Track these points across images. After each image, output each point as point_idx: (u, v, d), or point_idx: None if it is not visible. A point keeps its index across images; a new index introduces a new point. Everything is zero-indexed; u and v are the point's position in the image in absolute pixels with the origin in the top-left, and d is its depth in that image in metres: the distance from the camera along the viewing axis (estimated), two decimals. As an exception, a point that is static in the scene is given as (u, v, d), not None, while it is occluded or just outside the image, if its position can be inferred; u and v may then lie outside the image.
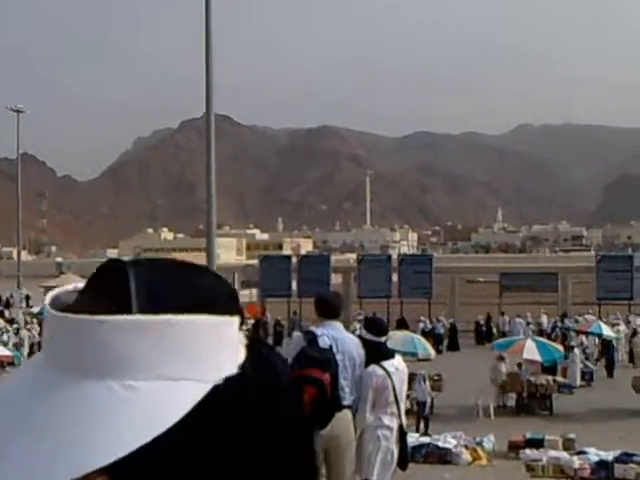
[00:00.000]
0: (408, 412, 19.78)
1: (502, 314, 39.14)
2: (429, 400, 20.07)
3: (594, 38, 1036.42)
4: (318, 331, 6.31)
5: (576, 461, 13.65)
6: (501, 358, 22.18)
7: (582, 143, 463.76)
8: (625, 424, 20.75)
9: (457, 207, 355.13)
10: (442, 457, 16.46)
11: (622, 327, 34.96)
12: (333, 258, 51.43)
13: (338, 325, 6.40)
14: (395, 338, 20.27)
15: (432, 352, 24.37)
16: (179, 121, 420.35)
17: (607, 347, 29.59)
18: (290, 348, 6.37)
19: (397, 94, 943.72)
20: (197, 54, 36.64)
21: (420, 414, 19.50)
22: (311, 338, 6.24)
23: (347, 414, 6.21)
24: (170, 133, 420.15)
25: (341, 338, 6.31)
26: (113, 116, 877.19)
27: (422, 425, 19.40)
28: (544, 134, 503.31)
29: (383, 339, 6.51)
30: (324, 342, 6.22)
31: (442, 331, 37.65)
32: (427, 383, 20.12)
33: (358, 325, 34.06)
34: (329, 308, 6.43)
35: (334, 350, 6.20)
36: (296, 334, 6.60)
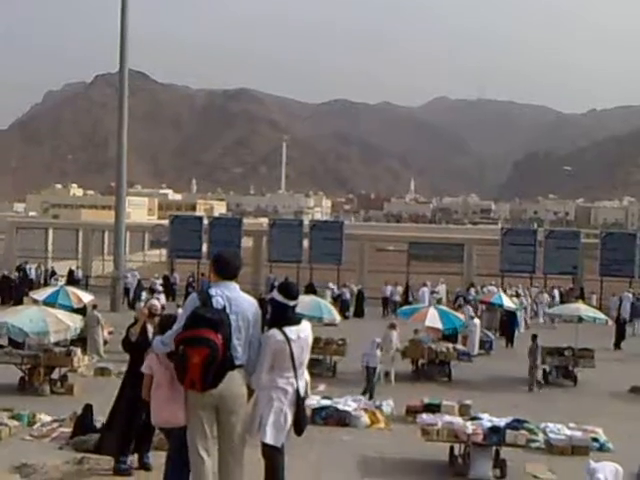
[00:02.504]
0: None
1: (396, 284, 39.44)
2: (379, 367, 20.25)
3: (511, 15, 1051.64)
4: (212, 291, 6.26)
5: (470, 426, 14.01)
6: (392, 326, 22.47)
7: (494, 119, 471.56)
8: (520, 393, 21.49)
9: (371, 176, 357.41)
10: (341, 420, 16.69)
11: (523, 298, 36.11)
12: (246, 221, 51.20)
13: (233, 285, 6.36)
14: (302, 302, 20.30)
15: (338, 317, 24.61)
16: (93, 75, 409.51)
17: (509, 318, 30.43)
18: (185, 308, 6.32)
19: (317, 60, 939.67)
20: (114, 5, 35.67)
21: (369, 379, 19.68)
22: (205, 298, 6.20)
23: (239, 374, 6.21)
24: (83, 87, 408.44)
25: (235, 298, 6.27)
26: (24, 67, 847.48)
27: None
28: (458, 108, 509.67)
29: (292, 303, 6.50)
30: (218, 303, 6.18)
31: (348, 297, 38.05)
32: (379, 351, 20.26)
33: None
34: (225, 268, 6.38)
35: (228, 311, 6.17)
36: (191, 295, 6.52)
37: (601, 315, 26.57)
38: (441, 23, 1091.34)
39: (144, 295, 30.48)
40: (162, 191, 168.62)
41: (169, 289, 39.54)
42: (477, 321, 27.74)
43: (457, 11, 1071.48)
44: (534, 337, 22.61)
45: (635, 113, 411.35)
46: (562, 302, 36.95)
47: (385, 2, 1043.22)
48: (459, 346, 24.20)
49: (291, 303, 6.49)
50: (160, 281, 39.79)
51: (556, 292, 39.28)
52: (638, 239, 42.22)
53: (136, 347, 9.59)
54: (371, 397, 18.97)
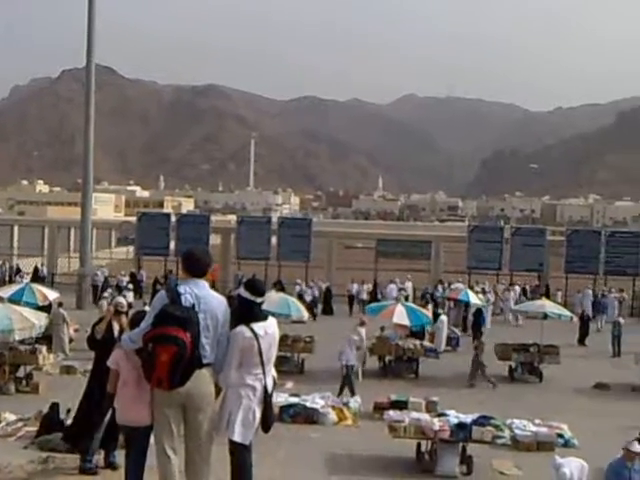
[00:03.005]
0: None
1: (362, 282, 39.47)
2: (356, 365, 20.30)
3: (480, 14, 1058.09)
4: (181, 289, 6.24)
5: (436, 423, 14.10)
6: (362, 323, 22.59)
7: (463, 116, 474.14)
8: (486, 389, 21.67)
9: (340, 173, 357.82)
10: (309, 417, 16.74)
11: (490, 295, 36.39)
12: (213, 218, 51.01)
13: (203, 283, 6.34)
14: (270, 299, 20.35)
15: (306, 315, 24.63)
16: (60, 70, 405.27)
17: (475, 314, 30.63)
18: (153, 305, 6.28)
19: (286, 57, 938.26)
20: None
21: (346, 377, 19.69)
22: (174, 296, 6.17)
23: (207, 372, 6.20)
24: (50, 82, 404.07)
25: (204, 296, 6.25)
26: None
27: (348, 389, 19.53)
28: (427, 106, 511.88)
29: (259, 300, 6.49)
30: (187, 300, 6.16)
31: (317, 294, 38.08)
32: (354, 349, 20.30)
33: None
34: (195, 266, 6.36)
35: (197, 309, 6.15)
36: (160, 292, 6.49)
37: (566, 312, 26.85)
38: (410, 21, 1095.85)
39: (107, 292, 30.26)
40: (129, 188, 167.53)
41: (136, 286, 39.30)
42: (444, 318, 27.92)
43: (426, 9, 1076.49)
44: (479, 334, 22.81)
45: (601, 111, 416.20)
46: (526, 299, 37.29)
47: (357, 1, 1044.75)
48: (426, 343, 24.33)
49: (258, 300, 6.49)
50: (127, 278, 39.55)
51: (517, 288, 39.59)
52: (603, 237, 42.73)
53: (102, 345, 9.53)
54: (353, 393, 19.06)
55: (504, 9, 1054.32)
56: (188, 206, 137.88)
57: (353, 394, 19.00)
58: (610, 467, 10.70)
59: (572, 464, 11.73)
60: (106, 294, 29.68)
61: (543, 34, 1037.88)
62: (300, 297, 34.43)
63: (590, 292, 38.58)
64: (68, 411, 12.20)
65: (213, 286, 27.73)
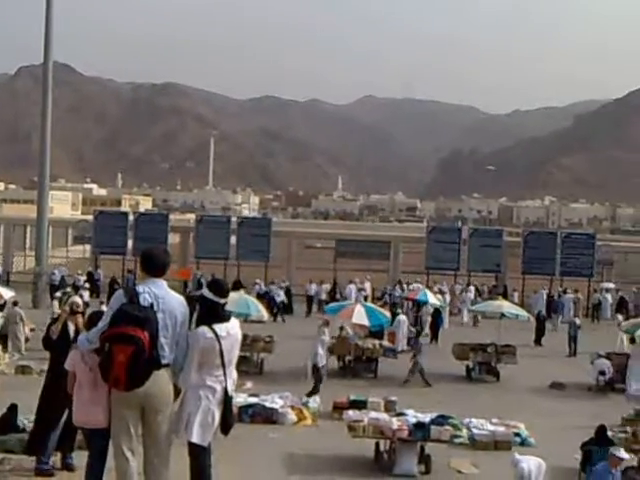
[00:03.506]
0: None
1: (321, 282, 39.43)
2: (324, 363, 20.24)
3: (439, 15, 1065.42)
4: (140, 288, 6.17)
5: (395, 422, 14.17)
6: (327, 323, 22.62)
7: (421, 118, 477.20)
8: (444, 388, 21.80)
9: (299, 173, 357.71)
10: (268, 417, 16.70)
11: (447, 296, 36.64)
12: (172, 217, 50.64)
13: (161, 283, 6.28)
14: (229, 299, 20.24)
15: (265, 314, 24.56)
16: (17, 66, 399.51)
17: (434, 315, 30.82)
18: (111, 305, 6.21)
19: (245, 56, 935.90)
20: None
21: (318, 378, 19.67)
22: (132, 295, 6.10)
23: (165, 373, 6.13)
24: (7, 79, 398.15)
25: (163, 296, 6.19)
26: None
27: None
28: (386, 106, 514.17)
29: (222, 301, 6.45)
30: (145, 300, 6.09)
31: (276, 294, 37.96)
32: (324, 350, 20.29)
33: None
34: (153, 265, 6.29)
35: (155, 308, 6.09)
36: (118, 291, 6.41)
37: (523, 312, 27.18)
38: (369, 21, 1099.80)
39: (60, 292, 29.89)
40: (86, 186, 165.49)
41: (93, 286, 38.87)
42: (404, 318, 28.04)
43: (385, 9, 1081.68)
44: (417, 334, 22.91)
45: (557, 114, 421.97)
46: (480, 299, 37.53)
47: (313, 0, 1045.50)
48: (385, 343, 24.41)
49: (221, 301, 6.45)
50: (84, 277, 39.09)
51: (472, 288, 39.90)
52: (559, 238, 43.28)
53: (57, 345, 9.40)
54: (312, 393, 19.06)
55: (462, 11, 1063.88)
56: (146, 205, 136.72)
57: (311, 394, 18.98)
58: (594, 472, 10.83)
59: (530, 461, 11.90)
60: (58, 294, 29.31)
61: (502, 37, 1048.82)
62: (260, 296, 34.39)
63: (544, 292, 39.10)
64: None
65: (185, 286, 27.43)
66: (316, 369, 19.78)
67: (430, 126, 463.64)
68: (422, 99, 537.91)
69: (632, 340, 22.86)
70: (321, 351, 20.00)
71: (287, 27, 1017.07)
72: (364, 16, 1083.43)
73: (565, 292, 39.49)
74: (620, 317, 38.86)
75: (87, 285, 36.55)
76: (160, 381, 6.07)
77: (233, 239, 43.58)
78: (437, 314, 30.74)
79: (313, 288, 38.25)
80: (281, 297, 35.92)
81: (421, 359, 22.09)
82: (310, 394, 18.89)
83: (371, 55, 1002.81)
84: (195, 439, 6.22)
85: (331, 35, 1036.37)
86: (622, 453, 10.86)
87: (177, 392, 6.26)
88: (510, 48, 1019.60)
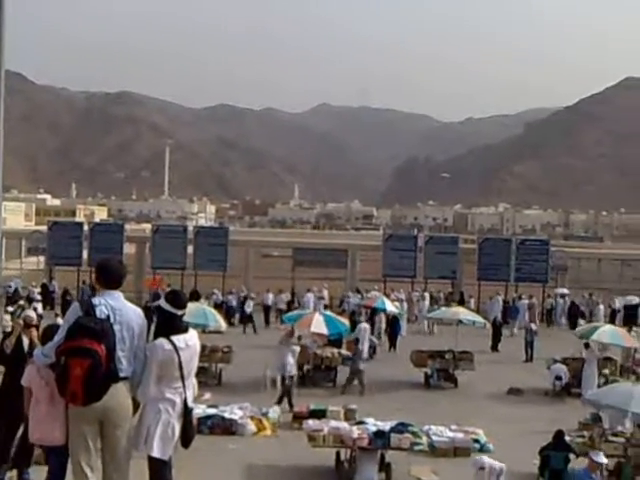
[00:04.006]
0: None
1: (280, 292, 39.15)
2: (294, 373, 20.28)
3: (393, 24, 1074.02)
4: (96, 300, 6.08)
5: (355, 431, 14.17)
6: (291, 333, 22.64)
7: (377, 126, 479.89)
8: (403, 396, 21.88)
9: (256, 182, 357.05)
10: (228, 428, 16.60)
11: (405, 303, 36.81)
12: (128, 227, 50.16)
13: (118, 295, 6.19)
14: (187, 309, 20.09)
15: (223, 324, 24.39)
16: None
17: (391, 322, 30.91)
18: (66, 318, 6.10)
19: (201, 65, 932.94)
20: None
21: (286, 387, 19.64)
22: (88, 308, 6.01)
23: (124, 386, 6.04)
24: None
25: (120, 308, 6.11)
26: None
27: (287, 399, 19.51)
28: (341, 115, 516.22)
29: (180, 312, 6.38)
30: (101, 312, 6.00)
31: (234, 304, 37.83)
32: (294, 359, 20.33)
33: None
34: (109, 277, 6.20)
35: (112, 320, 6.00)
36: (74, 304, 6.31)
37: (480, 318, 27.43)
38: (325, 29, 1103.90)
39: (10, 307, 29.38)
40: (40, 196, 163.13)
41: (48, 298, 38.30)
42: (366, 326, 28.06)
43: (340, 18, 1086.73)
44: (356, 341, 22.90)
45: (509, 122, 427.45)
46: (437, 306, 37.69)
47: (270, 8, 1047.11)
48: (344, 351, 24.42)
49: (179, 312, 6.38)
50: (38, 289, 38.50)
51: (427, 295, 40.11)
52: (513, 245, 43.76)
53: (11, 359, 9.24)
54: (280, 402, 19.07)
55: (415, 21, 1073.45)
56: (101, 215, 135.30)
57: (280, 402, 19.01)
58: (575, 476, 10.93)
59: (494, 464, 12.04)
60: (11, 308, 28.83)
61: (454, 46, 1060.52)
62: (217, 306, 34.21)
63: (500, 299, 39.50)
64: None
65: (156, 296, 26.89)
66: (284, 379, 19.78)
67: (385, 134, 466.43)
68: (377, 107, 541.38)
69: (586, 345, 23.16)
70: (291, 360, 20.06)
71: (241, 36, 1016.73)
72: (318, 24, 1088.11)
73: (520, 298, 39.91)
74: (564, 321, 39.70)
75: (39, 297, 35.96)
76: (118, 395, 5.98)
77: (190, 249, 43.29)
78: (395, 322, 30.82)
79: (270, 298, 38.08)
80: (250, 308, 35.57)
81: (359, 364, 22.03)
82: (279, 401, 18.98)
83: (326, 63, 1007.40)
84: (155, 453, 6.14)
85: (286, 43, 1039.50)
86: (601, 457, 11.00)
87: (136, 405, 6.18)
88: (462, 57, 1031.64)
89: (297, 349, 20.84)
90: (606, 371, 22.69)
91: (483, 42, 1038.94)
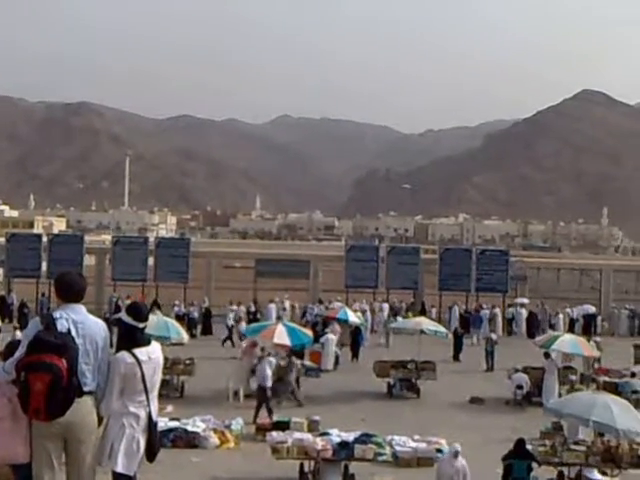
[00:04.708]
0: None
1: (239, 304, 38.80)
2: (270, 384, 20.25)
3: (351, 36, 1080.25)
4: (56, 314, 5.98)
5: (319, 442, 14.16)
6: (254, 344, 22.64)
7: (338, 137, 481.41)
8: (366, 406, 21.91)
9: (217, 193, 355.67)
10: (190, 441, 16.48)
11: (368, 313, 36.85)
12: (87, 239, 49.64)
13: (79, 308, 6.10)
14: (148, 322, 19.91)
15: (185, 336, 24.21)
16: None
17: (354, 333, 30.93)
18: (26, 332, 5.99)
19: (160, 75, 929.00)
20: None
21: (262, 399, 19.66)
22: (48, 322, 5.91)
23: (88, 401, 5.94)
24: None
25: (82, 321, 6.01)
26: None
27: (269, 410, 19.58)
28: (303, 126, 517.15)
29: (141, 325, 6.30)
30: (62, 326, 5.91)
31: (196, 315, 37.60)
32: (270, 370, 20.37)
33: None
34: (70, 290, 6.11)
35: (74, 334, 5.91)
36: (34, 318, 6.19)
37: (441, 328, 27.58)
38: (285, 41, 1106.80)
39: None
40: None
41: (5, 311, 37.72)
42: (332, 336, 28.10)
43: (296, 30, 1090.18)
44: (290, 354, 22.80)
45: (469, 134, 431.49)
46: (394, 316, 37.79)
47: (229, 20, 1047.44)
48: (307, 362, 24.40)
49: (140, 325, 6.30)
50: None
51: (385, 306, 40.21)
52: (474, 255, 44.11)
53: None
54: (270, 412, 19.20)
55: (374, 35, 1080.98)
56: (60, 226, 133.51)
57: (270, 412, 19.06)
58: None
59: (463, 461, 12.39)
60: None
61: (413, 58, 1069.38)
62: (179, 318, 33.94)
63: (457, 308, 39.89)
64: None
65: (117, 309, 26.39)
66: (263, 390, 19.78)
67: (346, 146, 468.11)
68: (338, 119, 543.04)
69: (546, 355, 23.40)
70: (269, 372, 20.11)
71: (202, 47, 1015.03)
72: (279, 37, 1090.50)
73: (481, 307, 40.22)
74: (515, 329, 40.12)
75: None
76: (82, 409, 5.88)
77: (151, 260, 42.95)
78: (357, 332, 30.86)
79: (234, 310, 37.78)
80: (231, 321, 35.23)
81: (291, 377, 22.04)
82: (269, 412, 18.97)
83: (287, 75, 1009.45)
84: (120, 469, 6.05)
85: (247, 55, 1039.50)
86: (595, 475, 11.15)
87: (100, 420, 6.09)
88: (421, 70, 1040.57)
89: (274, 360, 21.04)
90: (573, 377, 22.88)
91: (441, 55, 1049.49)
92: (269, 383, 20.05)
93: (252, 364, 22.27)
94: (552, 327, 38.38)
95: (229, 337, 33.59)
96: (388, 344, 33.85)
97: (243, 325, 32.59)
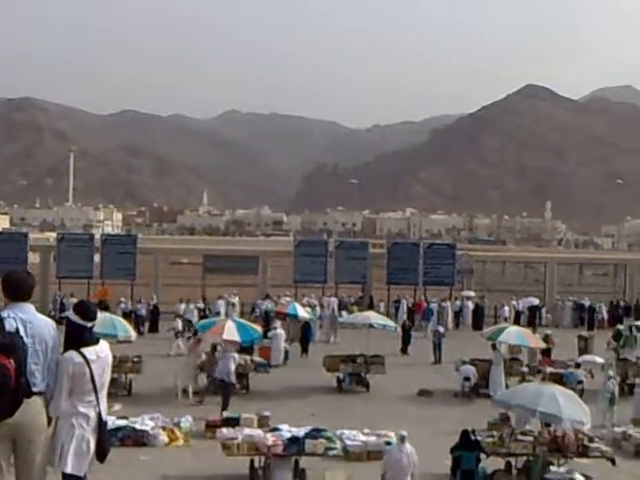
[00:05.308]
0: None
1: (188, 301, 38.46)
2: (232, 378, 20.33)
3: (296, 32, 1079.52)
4: (4, 313, 5.88)
5: (270, 438, 14.15)
6: (198, 341, 22.57)
7: (286, 133, 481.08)
8: (317, 401, 21.96)
9: (164, 189, 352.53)
10: (139, 440, 16.34)
11: (318, 308, 36.86)
12: (32, 236, 48.80)
13: (28, 307, 6.00)
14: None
15: (133, 334, 23.99)
16: None
17: (303, 328, 30.96)
18: None
19: (105, 70, 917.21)
20: None
21: (228, 392, 19.75)
22: (-5, 322, 5.80)
23: (38, 401, 5.85)
24: None
25: (31, 320, 5.92)
26: None
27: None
28: (250, 121, 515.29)
29: (89, 324, 6.21)
30: (10, 325, 5.81)
31: (144, 312, 37.24)
32: (234, 365, 20.47)
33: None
34: (16, 289, 6.00)
35: (22, 333, 5.81)
36: None
37: (390, 322, 27.75)
38: (231, 37, 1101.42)
39: None
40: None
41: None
42: (281, 331, 28.10)
43: (246, 26, 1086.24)
44: (214, 347, 22.72)
45: (414, 129, 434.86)
46: (342, 310, 37.99)
47: (174, 16, 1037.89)
48: (256, 358, 24.36)
49: (89, 324, 6.22)
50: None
51: (333, 300, 40.29)
52: (421, 249, 44.47)
53: None
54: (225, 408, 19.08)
55: (318, 31, 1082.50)
56: (3, 223, 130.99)
57: (225, 408, 18.98)
58: None
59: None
60: None
61: (358, 55, 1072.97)
62: (126, 315, 33.52)
63: (404, 302, 40.23)
64: None
65: (106, 307, 26.20)
66: (226, 385, 19.77)
67: (294, 141, 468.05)
68: (286, 114, 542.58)
69: (494, 346, 23.73)
70: (232, 367, 20.24)
71: (147, 42, 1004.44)
72: (224, 32, 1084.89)
73: (427, 302, 40.47)
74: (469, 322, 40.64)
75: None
76: (32, 410, 5.78)
77: (97, 257, 42.39)
78: (307, 327, 30.90)
79: (182, 308, 37.53)
80: (194, 317, 34.97)
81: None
82: (224, 408, 18.88)
83: (234, 71, 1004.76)
84: (70, 469, 5.97)
85: (191, 50, 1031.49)
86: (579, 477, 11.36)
87: (50, 421, 6.00)
88: (365, 66, 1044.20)
89: (236, 356, 21.09)
90: (524, 369, 23.17)
91: (386, 52, 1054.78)
92: (233, 378, 20.14)
93: (199, 361, 22.25)
94: (498, 319, 38.92)
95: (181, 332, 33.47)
96: (333, 339, 33.79)
97: (179, 322, 32.50)
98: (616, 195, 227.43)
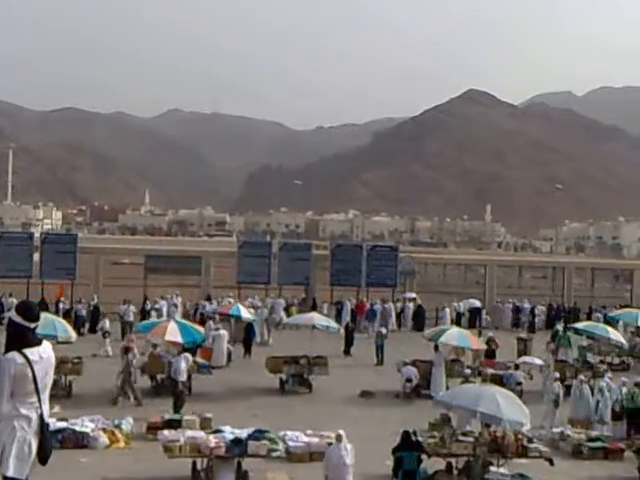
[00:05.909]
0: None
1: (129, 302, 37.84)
2: (185, 379, 20.49)
3: (241, 32, 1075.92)
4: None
5: (212, 440, 14.09)
6: (131, 340, 22.46)
7: (229, 133, 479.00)
8: (259, 402, 21.94)
9: (105, 187, 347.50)
10: (79, 441, 16.12)
11: (263, 309, 36.73)
12: (-32, 235, 47.62)
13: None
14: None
15: (73, 334, 23.62)
16: None
17: (246, 329, 30.86)
18: None
19: (46, 66, 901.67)
20: None
21: (181, 392, 19.84)
22: None
23: (-21, 404, 5.76)
24: None
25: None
26: None
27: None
28: (193, 121, 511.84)
29: (32, 325, 6.11)
30: None
31: (84, 313, 36.68)
32: (186, 365, 20.69)
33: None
34: None
35: None
36: None
37: (333, 323, 27.80)
38: (173, 35, 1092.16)
39: None
40: None
41: None
42: (224, 332, 28.00)
43: (189, 24, 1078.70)
44: (125, 350, 22.48)
45: (358, 131, 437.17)
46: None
47: (116, 13, 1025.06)
48: (199, 359, 24.21)
49: (32, 325, 6.12)
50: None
51: (281, 301, 40.27)
52: (364, 250, 44.73)
53: None
54: (179, 409, 18.96)
55: (261, 32, 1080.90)
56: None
57: (175, 408, 18.98)
58: None
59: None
60: None
61: (303, 57, 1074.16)
62: (65, 315, 32.99)
63: (348, 302, 40.44)
64: None
65: (45, 307, 25.73)
66: (175, 383, 19.89)
67: (238, 141, 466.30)
68: (229, 114, 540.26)
69: (436, 348, 23.99)
70: (184, 366, 20.30)
71: (89, 39, 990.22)
72: (165, 29, 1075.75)
73: (371, 304, 40.73)
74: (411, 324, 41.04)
75: None
76: (-28, 413, 5.69)
77: (36, 256, 41.61)
78: (250, 328, 30.83)
79: (124, 309, 37.02)
80: (130, 317, 34.62)
81: (130, 374, 21.69)
82: (177, 409, 18.69)
83: (176, 70, 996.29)
84: (11, 473, 5.87)
85: (133, 49, 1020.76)
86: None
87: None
88: (307, 68, 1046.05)
89: (189, 356, 21.21)
90: (467, 371, 23.43)
91: (330, 54, 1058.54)
92: (183, 377, 20.17)
93: (142, 361, 22.11)
94: (439, 321, 39.31)
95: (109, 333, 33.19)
96: (267, 341, 33.68)
97: (107, 323, 32.00)
98: (555, 199, 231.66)
